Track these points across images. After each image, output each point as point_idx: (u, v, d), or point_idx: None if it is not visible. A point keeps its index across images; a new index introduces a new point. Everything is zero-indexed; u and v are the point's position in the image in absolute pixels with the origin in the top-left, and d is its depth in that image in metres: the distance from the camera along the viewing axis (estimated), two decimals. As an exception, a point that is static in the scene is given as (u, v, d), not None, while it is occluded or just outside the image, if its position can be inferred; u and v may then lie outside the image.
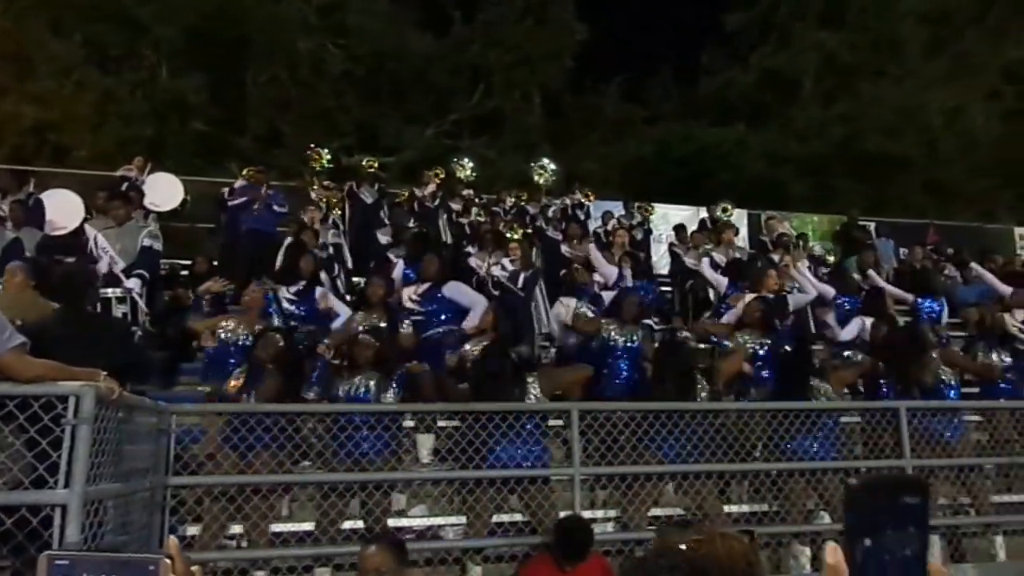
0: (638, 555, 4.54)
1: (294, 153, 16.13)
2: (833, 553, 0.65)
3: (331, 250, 8.96)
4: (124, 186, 9.37)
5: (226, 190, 10.10)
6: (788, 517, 5.14)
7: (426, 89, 21.23)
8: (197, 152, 18.08)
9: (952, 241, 13.58)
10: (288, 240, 8.20)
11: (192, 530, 4.55)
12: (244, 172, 10.04)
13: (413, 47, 20.66)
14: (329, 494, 4.72)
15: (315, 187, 10.59)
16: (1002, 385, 6.69)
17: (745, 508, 5.29)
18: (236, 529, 4.65)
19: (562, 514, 4.54)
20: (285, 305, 6.87)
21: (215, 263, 9.18)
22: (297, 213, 9.51)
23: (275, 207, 9.48)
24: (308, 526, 4.80)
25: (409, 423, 5.69)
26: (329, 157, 10.94)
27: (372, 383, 5.39)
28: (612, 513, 5.28)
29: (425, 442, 5.87)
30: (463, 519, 4.95)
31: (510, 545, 4.72)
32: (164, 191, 9.30)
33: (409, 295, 7.07)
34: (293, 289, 6.97)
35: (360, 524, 4.76)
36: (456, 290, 7.05)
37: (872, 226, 14.04)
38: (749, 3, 24.34)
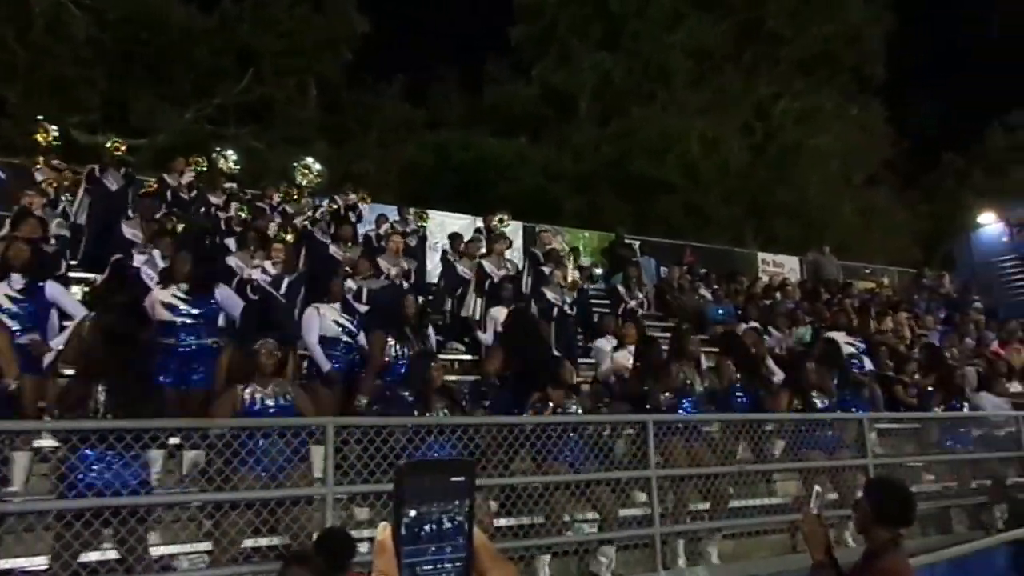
0: None
1: (21, 125, 13.98)
2: (382, 531, 0.68)
3: (56, 243, 7.65)
4: None
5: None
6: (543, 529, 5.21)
7: (187, 68, 19.40)
8: None
9: (705, 262, 14.67)
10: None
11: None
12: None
13: (173, 19, 18.73)
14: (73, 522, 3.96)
15: (41, 167, 9.14)
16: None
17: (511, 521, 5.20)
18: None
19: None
20: (5, 305, 5.64)
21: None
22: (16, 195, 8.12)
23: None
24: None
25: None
26: (57, 133, 9.69)
27: None
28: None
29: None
30: (203, 546, 4.53)
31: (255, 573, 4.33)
32: None
33: (167, 297, 6.03)
34: (17, 286, 5.77)
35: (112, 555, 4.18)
36: (226, 293, 6.34)
37: (637, 244, 14.76)
38: (532, 17, 24.98)
